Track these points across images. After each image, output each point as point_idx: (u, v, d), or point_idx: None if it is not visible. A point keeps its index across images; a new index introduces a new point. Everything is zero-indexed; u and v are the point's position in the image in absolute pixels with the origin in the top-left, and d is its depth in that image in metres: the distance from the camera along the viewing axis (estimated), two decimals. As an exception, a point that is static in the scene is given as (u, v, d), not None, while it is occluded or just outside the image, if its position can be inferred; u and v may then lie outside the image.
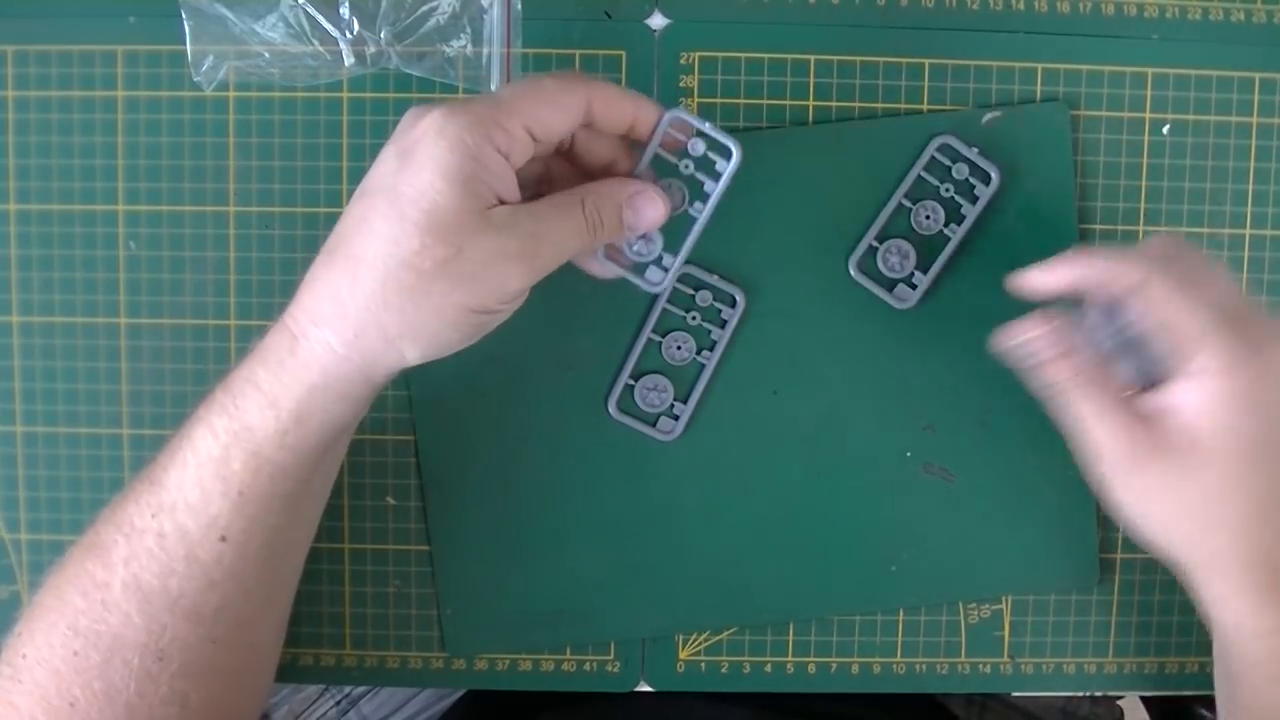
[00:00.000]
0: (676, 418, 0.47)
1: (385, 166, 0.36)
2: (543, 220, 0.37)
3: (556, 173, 0.41)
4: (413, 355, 0.36)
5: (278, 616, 0.43)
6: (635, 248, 0.41)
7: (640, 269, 0.42)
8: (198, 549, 0.37)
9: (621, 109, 0.38)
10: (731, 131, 0.40)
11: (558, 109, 0.37)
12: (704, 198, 0.41)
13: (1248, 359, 0.36)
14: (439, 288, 0.35)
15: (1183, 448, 0.37)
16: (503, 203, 0.36)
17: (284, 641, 0.45)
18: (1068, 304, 0.40)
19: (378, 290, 0.35)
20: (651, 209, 0.39)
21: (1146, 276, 0.37)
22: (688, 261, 0.44)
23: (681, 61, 0.47)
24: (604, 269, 0.41)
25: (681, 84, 0.47)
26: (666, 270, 0.42)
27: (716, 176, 0.41)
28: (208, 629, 0.38)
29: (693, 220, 0.42)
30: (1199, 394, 0.37)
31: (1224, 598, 0.39)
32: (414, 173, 0.35)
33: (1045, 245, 0.47)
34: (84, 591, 0.37)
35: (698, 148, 0.41)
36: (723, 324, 0.47)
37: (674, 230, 0.41)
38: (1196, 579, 0.40)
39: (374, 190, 0.36)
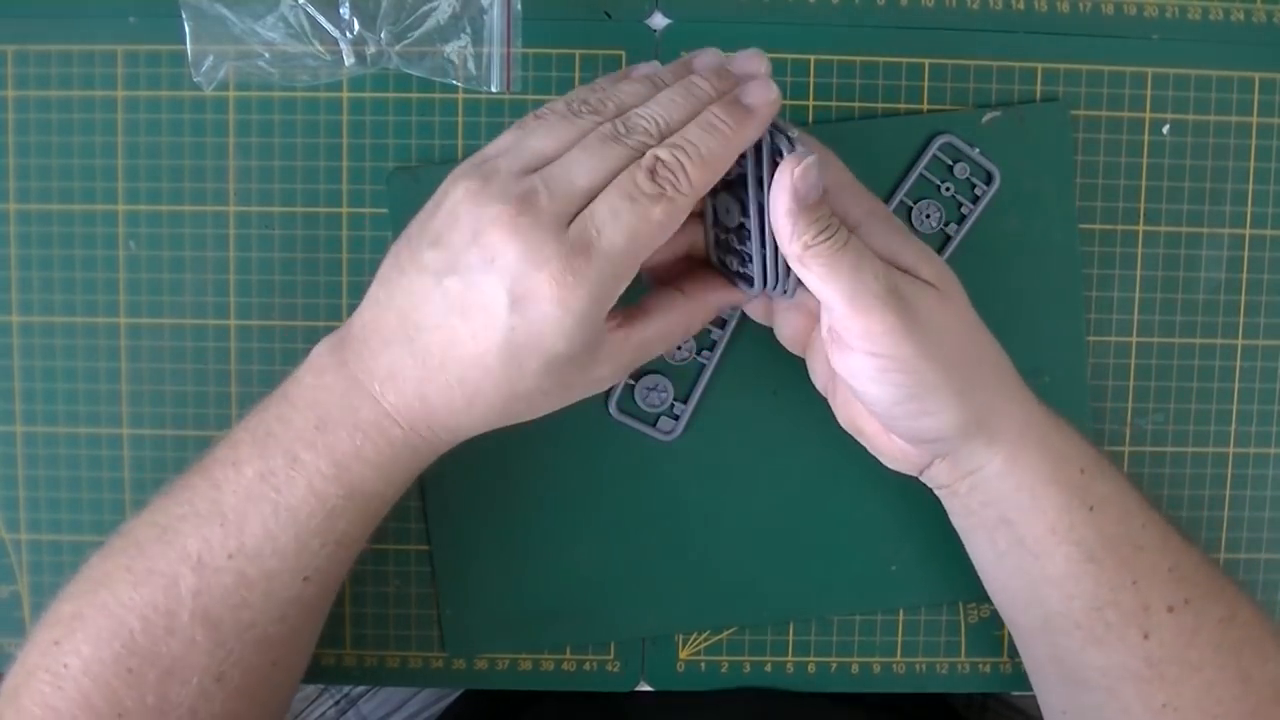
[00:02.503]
0: (676, 418, 0.47)
1: (491, 290, 0.34)
2: (644, 348, 0.39)
3: None
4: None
5: (319, 631, 0.43)
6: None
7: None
8: (280, 589, 0.38)
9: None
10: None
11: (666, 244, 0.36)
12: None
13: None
14: (541, 405, 0.38)
15: (928, 289, 0.38)
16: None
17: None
18: None
19: (491, 417, 0.38)
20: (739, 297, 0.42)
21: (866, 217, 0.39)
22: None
23: (681, 61, 0.47)
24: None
25: (681, 84, 0.47)
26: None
27: (723, 324, 0.46)
28: (273, 654, 0.39)
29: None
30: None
31: (1012, 454, 0.39)
32: (535, 336, 0.34)
33: (1045, 245, 0.47)
34: (143, 616, 0.37)
35: None
36: (723, 324, 0.47)
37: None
38: (978, 448, 0.39)
39: (477, 311, 0.34)
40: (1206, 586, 0.40)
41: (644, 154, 0.35)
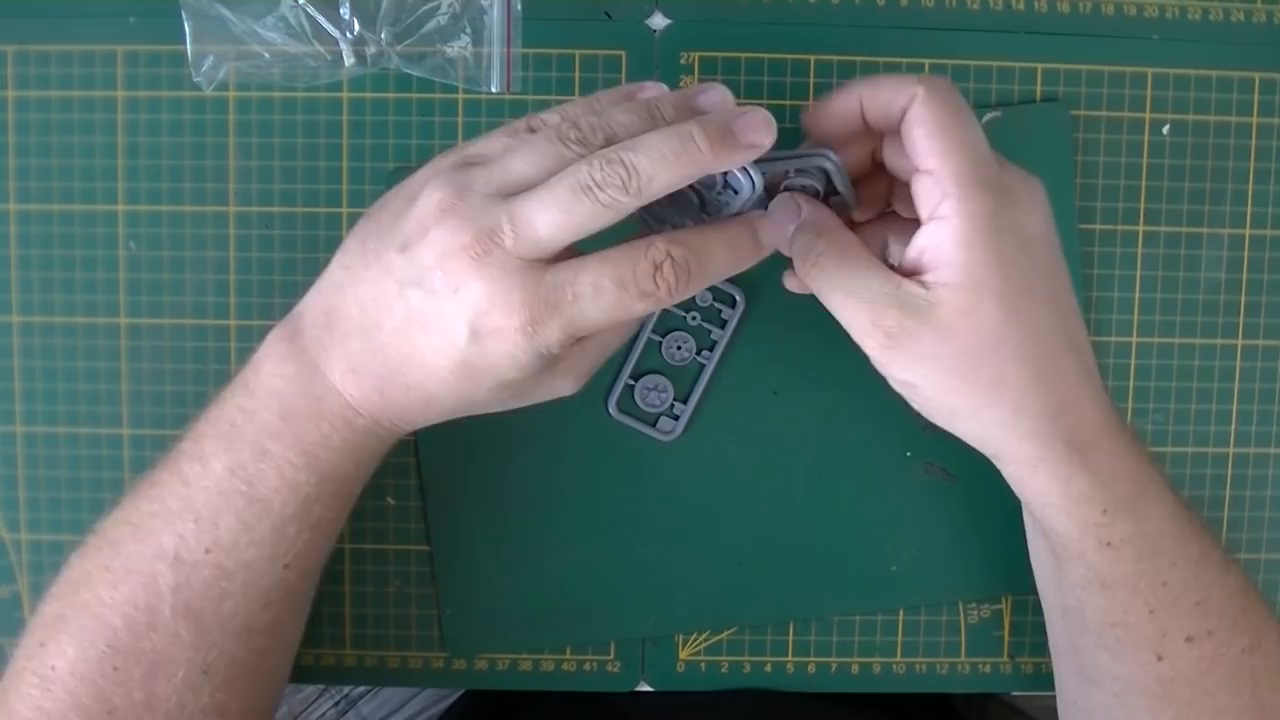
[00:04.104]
0: (676, 418, 0.47)
1: (452, 317, 0.34)
2: (604, 348, 0.39)
3: None
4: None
5: (306, 618, 0.43)
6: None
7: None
8: (260, 578, 0.38)
9: None
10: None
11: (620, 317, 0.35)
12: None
13: (999, 203, 0.36)
14: (499, 406, 0.38)
15: (938, 303, 0.35)
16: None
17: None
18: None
19: (448, 415, 0.38)
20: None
21: (922, 93, 0.36)
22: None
23: (681, 61, 0.47)
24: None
25: (681, 84, 0.47)
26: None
27: (723, 324, 0.46)
28: (257, 643, 0.39)
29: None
30: (949, 234, 0.36)
31: (1021, 477, 0.38)
32: (491, 366, 0.35)
33: (1045, 245, 0.47)
34: (125, 615, 0.37)
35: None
36: (723, 324, 0.47)
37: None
38: (998, 462, 0.39)
39: (437, 331, 0.35)
40: (1235, 616, 0.39)
41: (614, 208, 0.33)
